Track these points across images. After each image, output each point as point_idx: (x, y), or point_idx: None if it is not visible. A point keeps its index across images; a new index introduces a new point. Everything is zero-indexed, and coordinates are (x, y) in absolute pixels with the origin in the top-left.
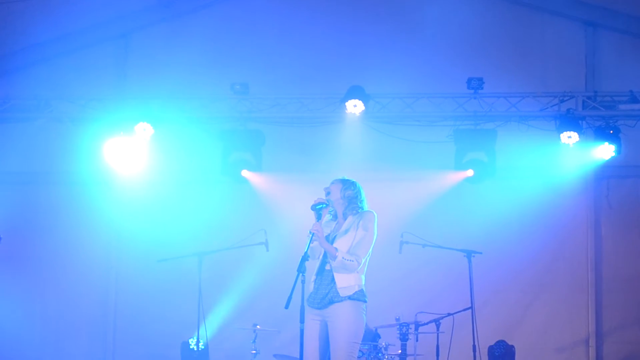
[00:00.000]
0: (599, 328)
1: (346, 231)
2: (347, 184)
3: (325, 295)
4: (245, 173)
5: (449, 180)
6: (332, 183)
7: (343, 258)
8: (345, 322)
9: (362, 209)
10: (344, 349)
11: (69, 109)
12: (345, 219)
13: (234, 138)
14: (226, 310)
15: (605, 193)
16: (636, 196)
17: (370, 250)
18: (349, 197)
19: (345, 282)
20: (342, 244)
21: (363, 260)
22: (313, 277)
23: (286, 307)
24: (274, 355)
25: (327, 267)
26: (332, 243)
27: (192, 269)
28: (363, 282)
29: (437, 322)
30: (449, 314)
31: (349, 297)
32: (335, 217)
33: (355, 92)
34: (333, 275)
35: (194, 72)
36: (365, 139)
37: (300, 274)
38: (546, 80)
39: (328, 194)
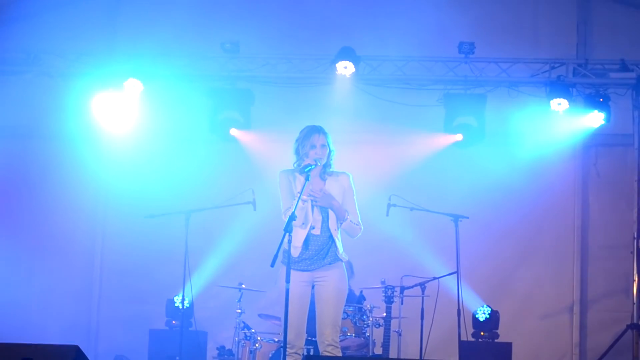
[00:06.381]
0: (584, 295)
1: (336, 197)
2: (326, 133)
3: (323, 258)
4: (233, 131)
5: (438, 144)
6: (318, 133)
7: (351, 221)
8: (339, 283)
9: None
10: (335, 309)
11: (58, 63)
12: (324, 180)
13: (223, 96)
14: (212, 268)
15: (594, 161)
16: (624, 165)
17: None
18: (329, 151)
19: (342, 247)
20: None
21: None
22: (299, 242)
23: (272, 265)
24: (259, 315)
25: (317, 232)
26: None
27: (179, 227)
28: None
29: (422, 285)
30: (434, 278)
31: (343, 260)
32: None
33: (346, 53)
34: (330, 238)
35: (184, 29)
36: (355, 101)
37: (287, 234)
38: (537, 47)
39: (304, 158)
